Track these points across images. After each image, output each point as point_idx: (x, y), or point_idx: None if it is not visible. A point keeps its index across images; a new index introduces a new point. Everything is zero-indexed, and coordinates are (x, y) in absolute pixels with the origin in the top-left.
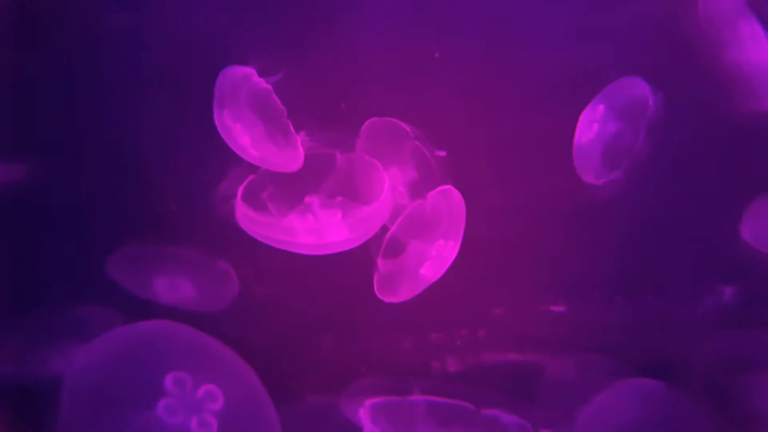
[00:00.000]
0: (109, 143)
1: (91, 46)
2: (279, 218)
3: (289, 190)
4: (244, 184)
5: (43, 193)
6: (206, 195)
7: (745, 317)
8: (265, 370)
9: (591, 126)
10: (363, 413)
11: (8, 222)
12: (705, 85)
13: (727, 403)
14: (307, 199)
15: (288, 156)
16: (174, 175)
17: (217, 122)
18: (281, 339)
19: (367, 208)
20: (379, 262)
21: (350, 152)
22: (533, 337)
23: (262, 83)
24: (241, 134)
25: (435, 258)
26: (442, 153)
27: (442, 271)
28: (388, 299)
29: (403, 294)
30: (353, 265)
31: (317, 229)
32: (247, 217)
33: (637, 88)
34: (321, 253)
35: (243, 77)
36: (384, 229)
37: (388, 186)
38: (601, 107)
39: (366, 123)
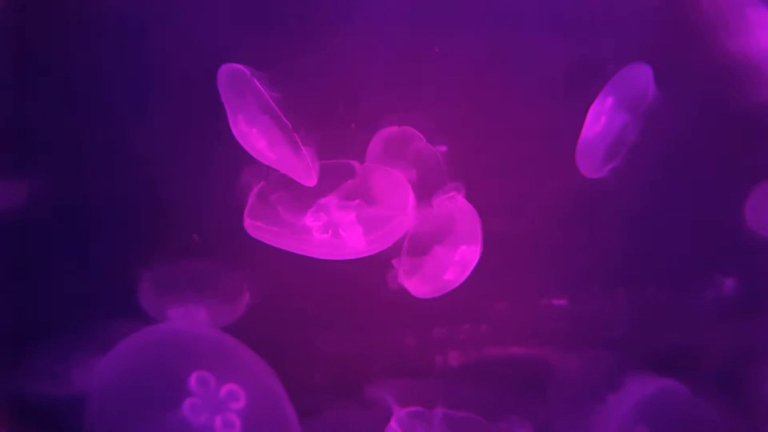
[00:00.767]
0: (117, 155)
1: (94, 55)
2: (291, 225)
3: (304, 195)
4: (254, 193)
5: (61, 211)
6: (218, 201)
7: (748, 309)
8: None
9: (599, 119)
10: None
11: (21, 241)
12: (710, 74)
13: (733, 395)
14: (323, 200)
15: (304, 167)
16: (181, 175)
17: (232, 128)
18: (283, 336)
19: (389, 220)
20: (401, 266)
21: (363, 160)
22: (535, 331)
23: (266, 87)
24: (258, 138)
25: (458, 263)
26: (443, 148)
27: (466, 275)
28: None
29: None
30: (356, 262)
31: (333, 240)
32: (257, 228)
33: (647, 79)
34: (336, 258)
35: (248, 79)
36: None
37: (413, 200)
38: (609, 99)
39: (378, 133)
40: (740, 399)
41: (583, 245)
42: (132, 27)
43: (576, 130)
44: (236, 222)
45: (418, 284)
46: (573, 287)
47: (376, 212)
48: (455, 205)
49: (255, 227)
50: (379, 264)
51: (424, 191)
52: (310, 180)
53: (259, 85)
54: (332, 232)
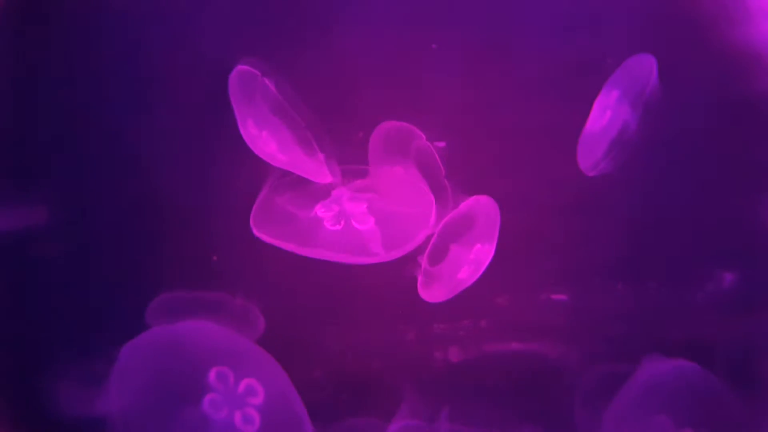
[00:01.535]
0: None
1: (92, 58)
2: (303, 221)
3: (315, 192)
4: (263, 194)
5: (73, 237)
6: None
7: (749, 303)
8: None
9: (604, 112)
10: None
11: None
12: (712, 65)
13: (735, 388)
14: (335, 192)
15: (317, 165)
16: (188, 184)
17: (242, 132)
18: (283, 332)
19: (407, 220)
20: (424, 265)
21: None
22: (535, 327)
23: (273, 87)
24: (268, 141)
25: (473, 262)
26: (442, 144)
27: (479, 273)
28: (429, 299)
29: (442, 296)
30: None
31: (346, 234)
32: (264, 230)
33: (651, 71)
34: (346, 262)
35: (258, 79)
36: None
37: (435, 212)
38: (615, 92)
39: (377, 129)
40: (742, 393)
41: (583, 240)
42: (131, 28)
43: (575, 124)
44: (240, 223)
45: (433, 287)
46: (573, 282)
47: (394, 214)
48: (479, 204)
49: (262, 229)
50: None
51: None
52: (324, 177)
53: (270, 85)
54: (344, 223)
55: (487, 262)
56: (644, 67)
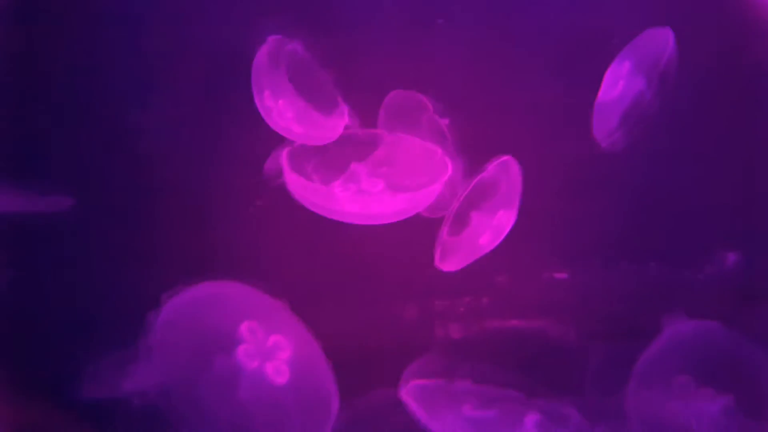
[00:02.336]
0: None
1: (94, 51)
2: (325, 186)
3: (334, 161)
4: (287, 153)
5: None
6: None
7: (751, 284)
8: None
9: (617, 83)
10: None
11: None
12: (727, 35)
13: None
14: (353, 166)
15: (333, 123)
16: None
17: (258, 104)
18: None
19: (420, 187)
20: (445, 234)
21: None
22: (536, 305)
23: (300, 51)
24: (284, 111)
25: (495, 227)
26: (445, 120)
27: (500, 239)
28: (446, 269)
29: (459, 263)
30: (356, 233)
31: (361, 199)
32: (298, 184)
33: (666, 42)
34: (368, 223)
35: (281, 48)
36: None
37: (451, 170)
38: (627, 63)
39: (388, 96)
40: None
41: (584, 219)
42: (132, 19)
43: (580, 101)
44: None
45: (452, 256)
46: (575, 261)
47: (406, 179)
48: (504, 170)
49: (296, 184)
50: (379, 237)
51: None
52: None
53: (298, 46)
54: (361, 200)
55: (508, 228)
56: (658, 38)
